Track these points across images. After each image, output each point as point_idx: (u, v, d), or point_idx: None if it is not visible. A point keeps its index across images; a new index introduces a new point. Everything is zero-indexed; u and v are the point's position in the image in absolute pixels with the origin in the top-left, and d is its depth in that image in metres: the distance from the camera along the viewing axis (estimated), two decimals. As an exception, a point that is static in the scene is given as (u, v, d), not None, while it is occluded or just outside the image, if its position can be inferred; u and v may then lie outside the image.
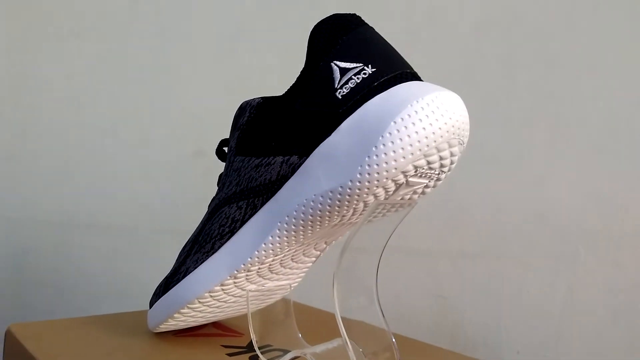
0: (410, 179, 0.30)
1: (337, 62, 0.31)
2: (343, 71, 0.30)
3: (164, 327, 0.38)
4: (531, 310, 0.54)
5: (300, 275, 0.39)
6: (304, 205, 0.30)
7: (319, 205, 0.29)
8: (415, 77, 0.30)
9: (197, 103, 0.67)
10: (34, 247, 0.68)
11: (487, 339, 0.55)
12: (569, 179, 0.55)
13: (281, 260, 0.34)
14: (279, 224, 0.31)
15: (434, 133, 0.27)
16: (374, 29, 0.33)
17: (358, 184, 0.28)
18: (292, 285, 0.40)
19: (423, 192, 0.32)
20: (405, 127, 0.27)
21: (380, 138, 0.27)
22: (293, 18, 0.64)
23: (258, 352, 0.35)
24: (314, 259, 0.37)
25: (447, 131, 0.28)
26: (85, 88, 0.69)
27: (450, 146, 0.29)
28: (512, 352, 0.55)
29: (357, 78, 0.30)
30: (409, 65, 0.31)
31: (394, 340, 0.33)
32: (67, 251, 0.67)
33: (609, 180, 0.52)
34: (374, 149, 0.27)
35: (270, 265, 0.34)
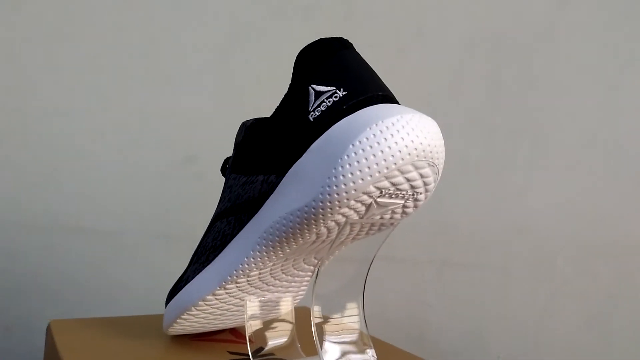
0: (379, 200, 0.30)
1: (314, 86, 0.32)
2: (318, 94, 0.31)
3: (174, 331, 0.41)
4: (512, 317, 0.56)
5: (302, 288, 0.41)
6: (277, 223, 0.31)
7: (290, 223, 0.31)
8: (388, 99, 0.31)
9: (188, 109, 0.65)
10: (19, 251, 0.66)
11: (469, 344, 0.56)
12: (548, 191, 0.59)
13: (271, 273, 0.36)
14: (258, 239, 0.33)
15: (393, 155, 0.28)
16: (356, 53, 0.33)
17: (321, 203, 0.29)
18: (295, 297, 0.41)
19: (404, 212, 0.33)
20: (363, 149, 0.28)
21: (339, 160, 0.28)
22: (285, 27, 0.65)
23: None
24: (309, 273, 0.38)
25: (409, 153, 0.28)
26: (73, 92, 0.68)
27: (417, 168, 0.29)
28: (493, 357, 0.56)
29: (329, 101, 0.31)
30: (386, 88, 0.32)
31: (373, 349, 0.34)
32: (53, 255, 0.66)
33: (586, 193, 0.56)
34: (333, 170, 0.28)
35: (259, 276, 0.35)
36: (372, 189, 0.29)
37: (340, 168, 0.28)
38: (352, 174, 0.28)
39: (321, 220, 0.30)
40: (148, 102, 0.66)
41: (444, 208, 0.60)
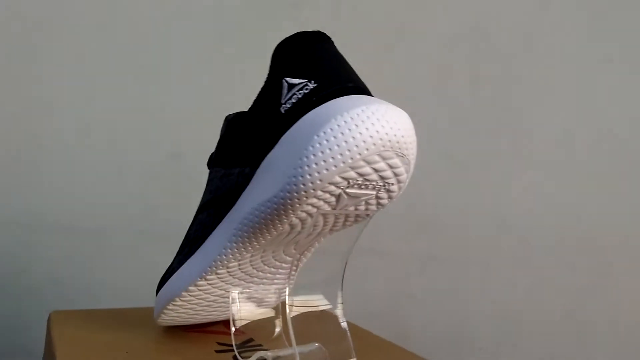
0: (349, 191, 0.30)
1: (287, 79, 0.32)
2: (290, 87, 0.32)
3: (164, 321, 0.42)
4: (493, 310, 0.58)
5: (290, 280, 0.41)
6: (251, 214, 0.32)
7: (262, 214, 0.31)
8: (359, 91, 0.31)
9: (173, 106, 0.65)
10: (2, 249, 0.65)
11: (452, 337, 0.57)
12: (529, 187, 0.61)
13: (251, 264, 0.36)
14: (234, 230, 0.33)
15: (357, 146, 0.28)
16: (333, 46, 0.34)
17: (288, 194, 0.29)
18: (283, 290, 0.41)
19: (379, 204, 0.33)
20: (327, 140, 0.28)
21: (305, 151, 0.29)
22: (272, 25, 0.65)
23: (236, 351, 0.38)
24: (290, 265, 0.39)
25: (374, 144, 0.28)
26: (58, 88, 0.67)
27: (384, 158, 0.29)
28: (475, 349, 0.57)
29: (299, 93, 0.31)
30: (358, 80, 0.32)
31: (350, 339, 0.34)
32: (36, 253, 0.65)
33: (565, 189, 0.57)
34: (299, 161, 0.29)
35: (240, 267, 0.36)
36: (338, 179, 0.29)
37: (305, 159, 0.29)
38: (316, 164, 0.28)
39: (290, 211, 0.30)
40: (133, 99, 0.66)
41: (428, 203, 0.63)
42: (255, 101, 0.34)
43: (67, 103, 0.66)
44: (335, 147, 0.28)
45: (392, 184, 0.31)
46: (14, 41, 0.66)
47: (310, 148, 0.28)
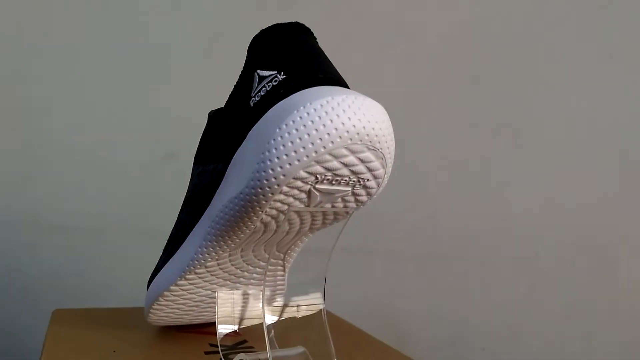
0: (319, 187, 0.29)
1: (259, 71, 0.31)
2: (261, 79, 0.31)
3: (154, 321, 0.41)
4: (494, 309, 0.56)
5: (279, 282, 0.40)
6: (221, 211, 0.31)
7: (231, 211, 0.30)
8: (331, 82, 0.29)
9: (168, 105, 0.64)
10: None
11: (454, 338, 0.55)
12: (529, 185, 0.60)
13: (231, 263, 0.35)
14: (208, 228, 0.32)
15: (321, 138, 0.27)
16: (310, 38, 0.32)
17: (252, 190, 0.28)
18: (275, 292, 0.40)
19: (357, 201, 0.31)
20: (289, 133, 0.27)
21: (267, 145, 0.27)
22: (268, 23, 0.64)
23: (221, 354, 0.37)
24: (279, 267, 0.38)
25: (340, 136, 0.27)
26: (53, 88, 0.66)
27: (353, 152, 0.28)
28: (478, 349, 0.55)
29: (268, 86, 0.30)
30: (332, 71, 0.30)
31: (331, 342, 0.33)
32: (34, 252, 0.65)
33: (566, 187, 0.55)
34: (262, 155, 0.27)
35: (220, 267, 0.35)
36: (303, 174, 0.27)
37: (267, 152, 0.27)
38: (278, 158, 0.27)
39: (258, 208, 0.29)
40: (128, 99, 0.66)
41: (427, 202, 0.61)
42: (230, 96, 0.33)
43: (63, 103, 0.66)
44: (298, 140, 0.27)
45: (368, 180, 0.30)
46: (9, 43, 0.66)
47: (272, 142, 0.27)
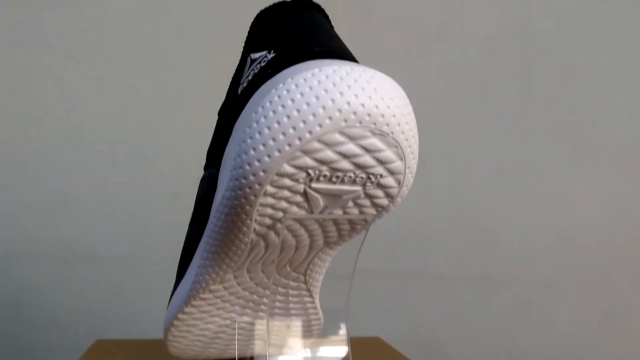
0: (315, 186, 0.23)
1: (252, 54, 0.26)
2: (252, 62, 0.26)
3: (178, 354, 0.37)
4: (564, 339, 0.45)
5: (312, 313, 0.34)
6: (211, 222, 0.26)
7: (218, 222, 0.25)
8: (330, 55, 0.24)
9: (199, 127, 0.60)
10: (32, 282, 0.64)
11: None
12: (595, 196, 0.54)
13: (240, 286, 0.30)
14: (204, 244, 0.28)
15: (304, 121, 0.21)
16: (312, 10, 0.27)
17: (232, 193, 0.23)
18: (310, 325, 0.34)
19: (375, 204, 0.25)
20: (265, 117, 0.21)
21: (242, 134, 0.22)
22: None
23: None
24: (303, 292, 0.32)
25: (329, 117, 0.21)
26: (83, 117, 0.65)
27: (352, 138, 0.22)
28: None
29: (256, 68, 0.25)
30: (334, 44, 0.25)
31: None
32: (68, 286, 0.63)
33: (637, 196, 0.42)
34: (237, 148, 0.22)
35: (227, 290, 0.30)
36: (288, 168, 0.22)
37: (242, 144, 0.22)
38: (254, 149, 0.21)
39: (244, 215, 0.24)
40: (158, 123, 0.64)
41: (480, 219, 0.56)
42: (228, 90, 0.28)
43: (92, 133, 0.65)
44: (276, 125, 0.21)
45: (382, 176, 0.23)
46: (40, 70, 0.65)
47: (248, 130, 0.22)
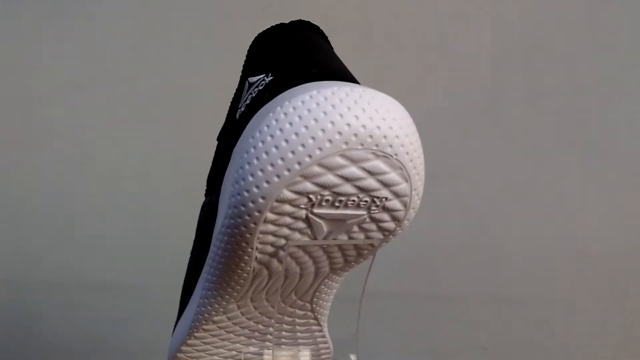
0: (317, 211, 0.22)
1: (250, 78, 0.26)
2: (250, 86, 0.25)
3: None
4: (583, 358, 0.50)
5: (320, 341, 0.33)
6: (212, 251, 0.25)
7: (219, 251, 0.24)
8: (328, 76, 0.23)
9: (207, 153, 0.61)
10: (39, 311, 0.62)
11: None
12: (608, 209, 0.53)
13: (245, 315, 0.29)
14: (204, 274, 0.27)
15: (303, 145, 0.20)
16: (311, 32, 0.27)
17: (231, 221, 0.22)
18: (319, 354, 0.33)
19: (381, 229, 0.24)
20: (262, 142, 0.21)
21: (240, 160, 0.21)
22: None
23: None
24: (311, 320, 0.31)
25: (329, 140, 0.20)
26: (89, 143, 0.64)
27: (354, 161, 0.21)
28: None
29: (254, 92, 0.24)
30: (333, 65, 0.24)
31: None
32: (75, 315, 0.61)
33: None
34: (235, 174, 0.22)
35: (231, 320, 0.29)
36: (288, 194, 0.21)
37: (240, 170, 0.21)
38: (252, 175, 0.21)
39: (244, 244, 0.23)
40: (167, 149, 0.63)
41: (492, 236, 0.53)
42: (227, 115, 0.28)
43: (99, 158, 0.64)
44: (274, 150, 0.20)
45: (387, 199, 0.22)
46: (47, 97, 0.64)
47: (245, 155, 0.21)
